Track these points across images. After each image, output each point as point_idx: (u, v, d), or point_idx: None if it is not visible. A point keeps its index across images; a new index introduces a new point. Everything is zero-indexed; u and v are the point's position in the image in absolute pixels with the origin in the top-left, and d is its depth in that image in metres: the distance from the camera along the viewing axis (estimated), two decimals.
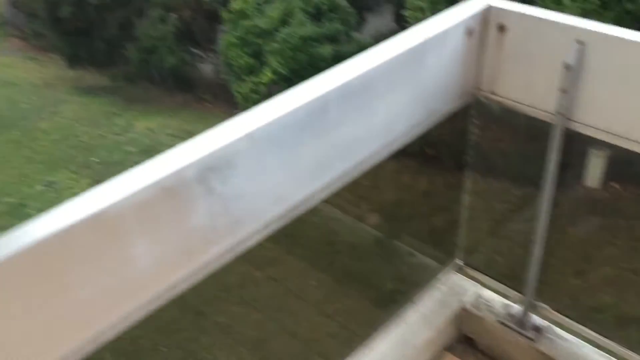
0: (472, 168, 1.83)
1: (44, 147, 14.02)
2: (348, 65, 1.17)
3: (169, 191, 0.93)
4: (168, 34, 15.50)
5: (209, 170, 0.97)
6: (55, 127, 14.88)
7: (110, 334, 0.91)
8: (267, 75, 14.25)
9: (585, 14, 7.49)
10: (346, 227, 8.37)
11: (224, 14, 15.00)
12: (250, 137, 1.01)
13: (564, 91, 1.29)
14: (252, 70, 14.80)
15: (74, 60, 17.82)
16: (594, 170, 8.48)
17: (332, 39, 14.19)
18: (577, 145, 1.48)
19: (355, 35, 15.24)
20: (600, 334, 1.61)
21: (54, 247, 0.84)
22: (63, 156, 13.58)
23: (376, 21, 16.58)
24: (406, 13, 10.29)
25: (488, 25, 1.36)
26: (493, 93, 1.45)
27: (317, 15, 14.45)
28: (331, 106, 1.12)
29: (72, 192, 12.33)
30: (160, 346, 6.53)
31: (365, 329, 1.71)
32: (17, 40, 22.84)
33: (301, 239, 7.35)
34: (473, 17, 1.33)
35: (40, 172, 13.03)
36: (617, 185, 9.04)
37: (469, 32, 1.34)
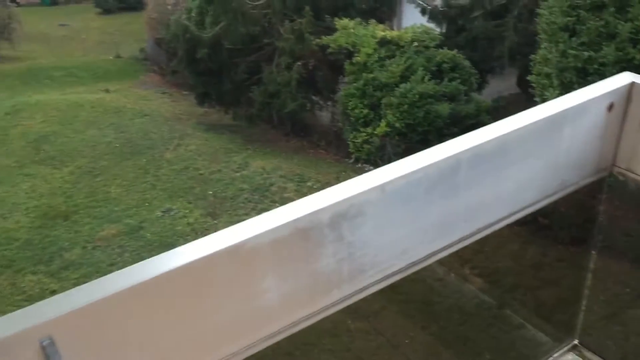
0: (596, 246, 1.75)
1: (167, 175, 14.97)
2: (484, 130, 1.19)
3: (303, 232, 0.98)
4: (292, 80, 16.17)
5: (341, 217, 1.02)
6: (179, 158, 15.87)
7: None
8: (382, 128, 14.41)
9: None
10: (448, 287, 8.13)
11: (347, 66, 15.47)
12: (382, 189, 1.05)
13: None
14: (367, 122, 15.04)
15: (203, 97, 19.03)
16: None
17: (451, 97, 14.15)
18: None
19: (475, 96, 15.10)
20: None
21: (197, 272, 0.91)
22: (182, 186, 14.41)
23: (498, 84, 16.36)
24: (531, 78, 10.07)
25: (631, 102, 1.33)
26: (630, 170, 1.40)
27: (438, 73, 14.50)
28: (463, 168, 1.14)
29: (185, 220, 13.01)
30: None
31: None
32: (156, 76, 24.88)
33: (400, 294, 7.23)
34: (616, 92, 1.31)
35: (160, 199, 13.89)
36: None
37: (610, 108, 1.32)
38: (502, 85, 16.62)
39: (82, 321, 0.82)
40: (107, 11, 35.08)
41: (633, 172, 1.41)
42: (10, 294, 10.87)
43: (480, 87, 15.79)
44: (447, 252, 1.22)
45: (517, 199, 1.25)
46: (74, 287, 0.95)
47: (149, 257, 0.97)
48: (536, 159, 1.27)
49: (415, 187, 1.09)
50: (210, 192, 13.73)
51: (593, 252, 1.76)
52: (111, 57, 27.31)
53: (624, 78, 1.33)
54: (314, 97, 17.78)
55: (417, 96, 13.86)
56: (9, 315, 0.84)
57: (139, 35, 28.90)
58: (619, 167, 1.42)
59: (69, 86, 22.89)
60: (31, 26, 29.45)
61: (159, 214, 13.27)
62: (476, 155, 1.16)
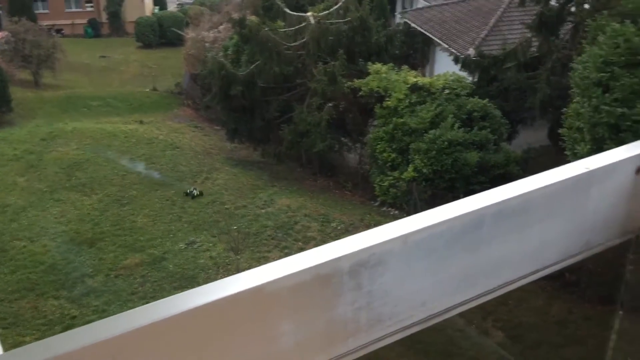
0: (623, 307, 1.71)
1: (193, 209, 15.11)
2: (508, 186, 1.19)
3: (322, 278, 0.99)
4: (322, 121, 16.34)
5: (361, 266, 1.02)
6: (206, 192, 16.03)
7: None
8: (409, 172, 14.41)
9: None
10: (469, 340, 7.95)
11: (378, 109, 15.60)
12: (404, 240, 1.06)
13: None
14: (395, 166, 15.06)
15: (234, 133, 19.32)
16: None
17: (480, 146, 14.12)
18: None
19: (505, 146, 15.04)
20: None
21: (218, 311, 0.93)
22: (207, 220, 14.51)
23: (529, 135, 16.28)
24: (562, 132, 10.01)
25: None
26: None
27: (468, 121, 14.52)
28: (486, 223, 1.14)
29: (208, 254, 13.05)
30: None
31: None
32: (189, 110, 25.41)
33: (420, 343, 7.09)
34: None
35: (184, 231, 13.99)
36: None
37: (638, 170, 1.31)
38: (532, 136, 16.53)
39: None
40: (147, 45, 36.19)
41: None
42: (32, 317, 10.95)
43: (510, 138, 15.74)
44: (467, 306, 1.21)
45: (540, 257, 1.25)
46: (93, 314, 0.97)
47: (169, 288, 0.99)
48: (561, 218, 1.26)
49: (437, 239, 1.09)
50: (235, 227, 13.79)
51: (620, 312, 1.73)
52: (147, 90, 28.03)
53: None
54: (343, 139, 17.92)
55: (445, 143, 13.86)
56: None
57: (176, 70, 29.69)
58: None
59: (104, 116, 23.49)
60: (73, 56, 30.48)
61: (183, 245, 13.35)
62: (500, 211, 1.16)
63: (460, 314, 1.27)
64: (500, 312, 9.10)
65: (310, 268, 0.97)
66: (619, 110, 8.34)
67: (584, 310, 8.81)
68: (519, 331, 8.83)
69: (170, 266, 12.57)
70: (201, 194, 15.75)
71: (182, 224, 14.29)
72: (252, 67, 17.35)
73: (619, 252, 1.60)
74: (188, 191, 15.76)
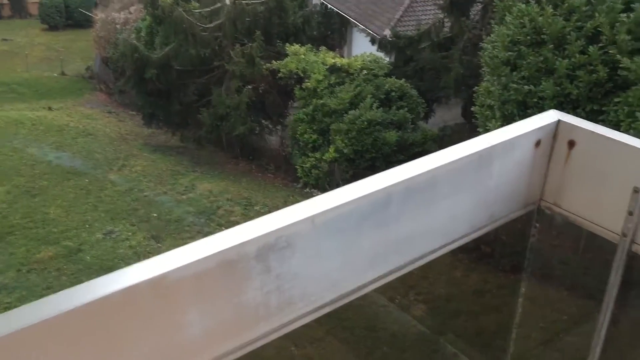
0: (529, 273, 1.79)
1: (110, 197, 14.57)
2: (414, 163, 1.20)
3: (228, 264, 0.96)
4: (242, 103, 16.15)
5: (269, 249, 1.00)
6: (123, 179, 15.50)
7: None
8: (330, 153, 14.53)
9: None
10: (391, 315, 8.17)
11: (297, 91, 15.58)
12: (312, 221, 1.04)
13: (631, 214, 1.28)
14: (316, 147, 15.14)
15: (150, 118, 18.75)
16: None
17: (399, 125, 14.42)
18: None
19: (422, 124, 15.45)
20: None
21: (116, 303, 0.88)
22: (126, 208, 14.04)
23: (444, 113, 16.80)
24: (475, 109, 10.38)
25: (557, 139, 1.38)
26: (557, 205, 1.44)
27: (386, 102, 14.78)
28: (394, 201, 1.14)
29: (127, 243, 12.65)
30: None
31: None
32: (102, 95, 24.38)
33: (344, 321, 7.21)
34: (543, 130, 1.35)
35: (102, 220, 13.49)
36: None
37: (538, 144, 1.36)
38: (448, 114, 17.07)
39: None
40: (52, 27, 34.22)
41: (560, 207, 1.45)
42: None
43: (426, 116, 16.17)
44: (378, 283, 1.21)
45: (448, 231, 1.27)
46: (4, 311, 0.91)
47: (87, 280, 0.93)
48: (467, 192, 1.29)
49: (346, 219, 1.09)
50: (155, 215, 13.43)
51: (527, 278, 1.80)
52: (55, 74, 26.63)
53: (551, 116, 1.38)
54: (263, 121, 17.80)
55: (365, 123, 14.05)
56: None
57: (86, 53, 28.32)
58: (546, 201, 1.46)
59: (9, 102, 22.13)
60: None
61: (100, 236, 12.87)
62: (408, 188, 1.16)
63: (382, 289, 1.28)
64: (421, 286, 9.40)
65: (215, 254, 0.94)
66: (526, 87, 8.72)
67: (498, 279, 9.26)
68: (440, 303, 9.17)
69: (88, 258, 12.10)
70: None
71: (98, 214, 13.76)
72: (166, 49, 16.84)
73: (527, 223, 1.67)
74: None
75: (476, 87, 10.60)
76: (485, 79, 10.00)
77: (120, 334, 0.89)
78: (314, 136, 15.12)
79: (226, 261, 0.95)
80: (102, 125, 19.92)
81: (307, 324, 1.15)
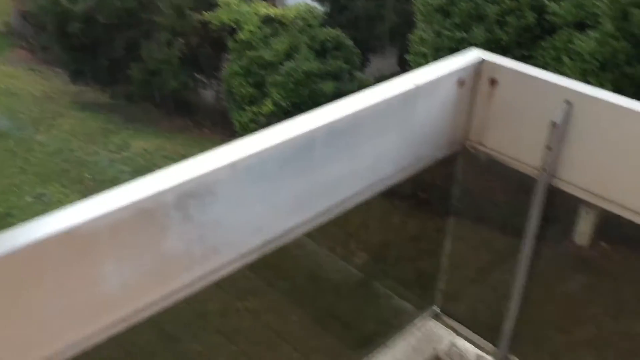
0: (456, 215, 1.83)
1: (38, 159, 13.98)
2: (337, 105, 1.18)
3: (146, 214, 0.92)
4: (173, 57, 15.65)
5: (188, 197, 0.97)
6: (52, 140, 14.86)
7: (70, 353, 0.89)
8: (267, 107, 14.36)
9: (584, 74, 7.63)
10: (330, 264, 8.32)
11: (231, 43, 15.19)
12: (233, 167, 1.01)
13: (549, 148, 1.31)
14: (253, 100, 14.92)
15: (77, 75, 17.93)
16: (584, 228, 8.48)
17: (335, 76, 14.36)
18: (567, 202, 1.49)
19: (358, 74, 15.44)
20: None
21: (24, 259, 0.83)
22: (56, 169, 13.52)
23: (380, 63, 16.81)
24: (409, 58, 10.44)
25: (480, 78, 1.39)
26: (481, 144, 1.46)
27: (322, 52, 14.65)
28: (317, 143, 1.13)
29: (60, 205, 12.20)
30: None
31: None
32: (23, 52, 23.00)
33: (284, 272, 7.28)
34: (465, 69, 1.36)
35: (31, 183, 12.96)
36: (606, 245, 9.04)
37: (461, 83, 1.36)
38: (383, 64, 17.10)
39: None
40: None
41: (484, 146, 1.47)
42: None
43: (363, 66, 16.16)
44: (305, 228, 1.20)
45: (373, 173, 1.27)
46: None
47: None
48: (392, 133, 1.28)
49: (268, 164, 1.06)
50: (88, 175, 13.02)
51: (454, 220, 1.85)
52: None
53: (473, 55, 1.38)
54: (197, 75, 17.32)
55: (302, 75, 13.92)
56: None
57: (2, 7, 26.54)
58: (472, 140, 1.48)
59: None
60: None
61: (30, 199, 12.39)
62: (331, 131, 1.15)
63: (326, 236, 1.28)
64: (361, 234, 9.58)
65: (131, 204, 0.90)
66: (459, 34, 8.82)
67: (435, 223, 9.54)
68: (377, 251, 9.39)
69: (17, 222, 11.66)
70: None
71: (27, 177, 13.20)
72: (89, 1, 15.99)
73: (455, 165, 1.69)
74: None
75: (410, 35, 10.63)
76: (418, 27, 10.03)
77: (31, 292, 0.85)
78: (250, 90, 14.87)
79: (143, 210, 0.92)
80: (26, 84, 18.91)
81: (247, 276, 1.13)
